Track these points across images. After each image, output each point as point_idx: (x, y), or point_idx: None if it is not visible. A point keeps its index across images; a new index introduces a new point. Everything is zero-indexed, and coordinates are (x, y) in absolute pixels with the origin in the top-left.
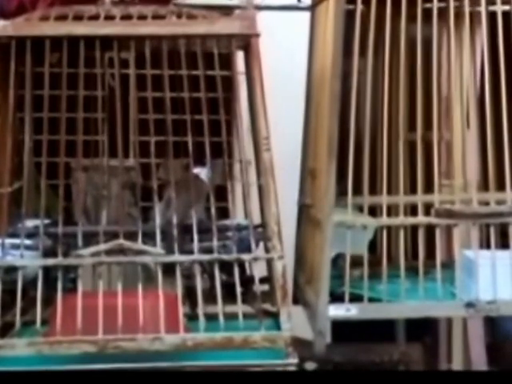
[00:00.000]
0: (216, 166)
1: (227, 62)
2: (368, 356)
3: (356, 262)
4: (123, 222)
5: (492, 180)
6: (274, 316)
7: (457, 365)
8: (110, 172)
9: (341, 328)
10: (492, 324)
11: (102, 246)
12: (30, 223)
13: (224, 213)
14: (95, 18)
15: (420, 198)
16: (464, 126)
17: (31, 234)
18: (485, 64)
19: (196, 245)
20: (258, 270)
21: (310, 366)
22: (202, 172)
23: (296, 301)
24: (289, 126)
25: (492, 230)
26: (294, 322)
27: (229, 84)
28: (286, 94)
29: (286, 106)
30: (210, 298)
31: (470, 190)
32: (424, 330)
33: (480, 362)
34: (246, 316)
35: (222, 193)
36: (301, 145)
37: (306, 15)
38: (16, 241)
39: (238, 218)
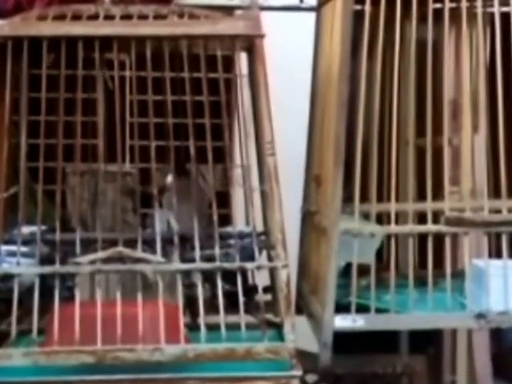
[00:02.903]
0: (216, 171)
1: (226, 64)
2: (371, 368)
3: (362, 271)
4: (120, 229)
5: (504, 187)
6: (277, 327)
7: (461, 377)
8: (107, 177)
9: (342, 339)
10: (498, 335)
11: (101, 254)
12: (26, 230)
13: (223, 220)
14: (94, 17)
15: (429, 206)
16: (476, 130)
17: (27, 241)
18: (497, 67)
19: (198, 253)
20: (259, 279)
21: (311, 378)
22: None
23: (298, 311)
24: (291, 130)
25: (504, 239)
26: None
27: (229, 87)
28: (288, 96)
29: (289, 110)
30: (211, 307)
31: (478, 197)
32: (428, 341)
33: (485, 374)
34: (248, 326)
35: (221, 199)
36: (305, 150)
37: (310, 16)
38: (11, 248)
39: (237, 225)
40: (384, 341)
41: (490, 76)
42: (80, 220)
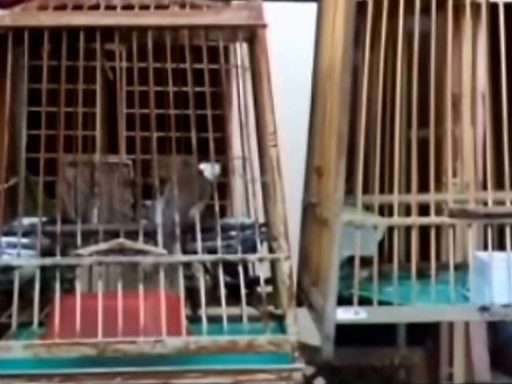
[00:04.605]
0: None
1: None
2: (368, 360)
3: (362, 262)
4: (120, 221)
5: (507, 179)
6: (279, 319)
7: (458, 369)
8: (103, 169)
9: (340, 331)
10: (495, 327)
11: (103, 246)
12: (25, 221)
13: (221, 211)
14: (95, 7)
15: (432, 197)
16: (474, 122)
17: (26, 233)
18: (501, 58)
19: (200, 244)
20: (260, 271)
21: (308, 370)
22: (206, 169)
23: (298, 303)
24: (291, 121)
25: (508, 231)
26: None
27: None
28: (289, 88)
29: (290, 101)
30: (212, 299)
31: (478, 189)
32: (425, 333)
33: (482, 366)
34: (249, 319)
35: (219, 190)
36: (305, 141)
37: (312, 6)
38: (11, 239)
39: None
40: (382, 333)
41: (492, 67)
42: (77, 212)
